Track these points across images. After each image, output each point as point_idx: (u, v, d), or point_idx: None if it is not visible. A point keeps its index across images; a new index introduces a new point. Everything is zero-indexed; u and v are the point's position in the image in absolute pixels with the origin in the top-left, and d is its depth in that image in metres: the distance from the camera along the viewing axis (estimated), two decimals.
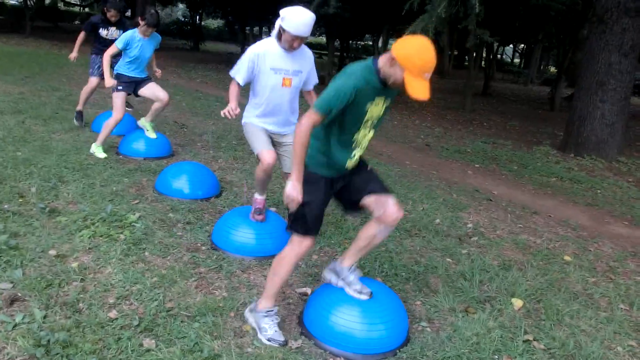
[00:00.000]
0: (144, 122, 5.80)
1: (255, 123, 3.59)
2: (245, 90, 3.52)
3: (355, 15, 15.43)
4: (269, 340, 2.67)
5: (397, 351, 2.71)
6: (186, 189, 4.54)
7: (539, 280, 3.73)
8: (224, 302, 2.99)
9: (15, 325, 2.55)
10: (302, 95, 3.70)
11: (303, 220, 2.60)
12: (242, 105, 3.41)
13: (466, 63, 14.68)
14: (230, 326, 2.78)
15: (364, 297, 2.72)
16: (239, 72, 3.43)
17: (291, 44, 3.31)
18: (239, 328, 2.78)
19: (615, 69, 8.24)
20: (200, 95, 11.22)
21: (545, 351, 2.88)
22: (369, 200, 2.70)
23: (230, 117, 3.35)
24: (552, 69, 33.42)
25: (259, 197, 3.76)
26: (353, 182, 2.74)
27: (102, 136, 5.56)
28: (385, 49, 21.91)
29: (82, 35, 6.54)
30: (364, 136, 2.65)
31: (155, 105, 5.69)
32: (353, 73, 2.46)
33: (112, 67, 5.48)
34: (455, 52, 31.20)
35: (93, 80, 6.61)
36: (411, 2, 8.82)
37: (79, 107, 6.82)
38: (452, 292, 3.40)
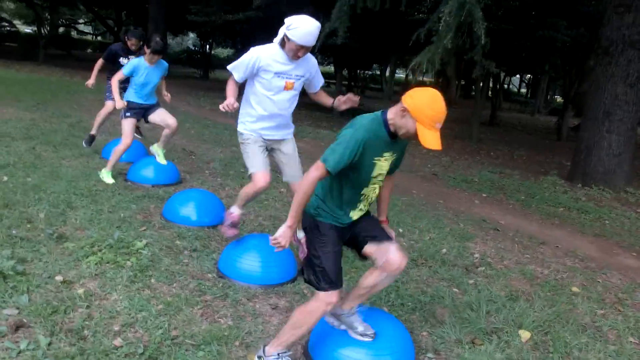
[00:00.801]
0: (156, 149, 5.87)
1: (252, 130, 3.56)
2: (240, 92, 3.53)
3: (363, 45, 15.64)
4: None
5: None
6: (193, 216, 4.56)
7: (546, 312, 3.70)
8: (229, 330, 2.98)
9: (19, 352, 2.55)
10: (310, 98, 3.79)
11: (324, 274, 2.50)
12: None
13: (473, 93, 14.76)
14: (234, 355, 2.76)
15: (367, 339, 2.66)
16: (237, 69, 3.42)
17: (296, 53, 3.29)
18: (244, 357, 2.76)
19: (621, 100, 8.29)
20: (209, 122, 11.33)
21: None
22: (371, 249, 2.64)
23: (229, 111, 3.32)
24: (559, 99, 33.55)
25: (237, 211, 3.74)
26: (357, 230, 2.70)
27: (111, 162, 5.62)
28: (392, 78, 22.11)
29: (100, 62, 6.66)
30: (373, 191, 2.65)
31: (165, 132, 5.77)
32: (362, 126, 2.44)
33: (120, 93, 5.57)
34: (463, 82, 31.44)
35: (109, 105, 6.71)
36: (418, 33, 8.95)
37: (93, 132, 6.92)
38: (458, 322, 3.37)
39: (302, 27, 3.19)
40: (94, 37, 42.11)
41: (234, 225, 3.75)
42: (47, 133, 7.67)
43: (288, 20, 3.24)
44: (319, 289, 2.51)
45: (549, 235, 5.79)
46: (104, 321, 2.92)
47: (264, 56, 3.36)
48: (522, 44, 13.68)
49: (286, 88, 3.45)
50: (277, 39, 3.40)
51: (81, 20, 36.32)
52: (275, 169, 3.95)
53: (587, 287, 4.32)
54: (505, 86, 31.64)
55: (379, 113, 2.51)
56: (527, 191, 8.01)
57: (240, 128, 3.65)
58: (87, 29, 42.69)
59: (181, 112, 11.95)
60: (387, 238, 2.68)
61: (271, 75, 3.38)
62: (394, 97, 14.51)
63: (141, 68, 5.45)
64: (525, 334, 3.31)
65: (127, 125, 5.57)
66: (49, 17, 26.37)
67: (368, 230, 2.70)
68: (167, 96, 6.12)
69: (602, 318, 3.75)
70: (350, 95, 3.53)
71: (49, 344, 2.64)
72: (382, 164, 2.55)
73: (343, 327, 2.75)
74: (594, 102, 8.66)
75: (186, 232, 4.39)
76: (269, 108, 3.51)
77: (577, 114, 17.82)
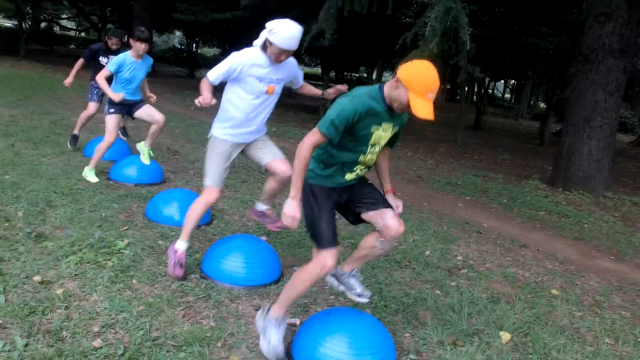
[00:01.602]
0: (142, 147, 5.83)
1: (228, 134, 3.50)
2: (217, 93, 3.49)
3: (350, 47, 15.68)
4: (270, 348, 2.66)
5: None
6: (177, 216, 4.52)
7: (526, 314, 3.73)
8: (212, 331, 2.96)
9: None
10: (296, 93, 3.79)
11: (324, 236, 2.58)
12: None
13: (458, 97, 14.88)
14: (216, 356, 2.75)
15: (364, 299, 2.78)
16: (215, 74, 3.32)
17: (278, 57, 3.26)
18: (226, 358, 2.74)
19: (601, 107, 8.42)
20: (195, 122, 11.26)
21: None
22: (370, 214, 2.74)
23: (205, 106, 3.19)
24: (542, 105, 33.95)
25: (183, 247, 3.53)
26: (355, 195, 2.78)
27: (94, 160, 5.55)
28: (379, 81, 22.19)
29: (80, 62, 6.56)
30: (370, 159, 2.72)
31: (153, 129, 5.73)
32: (357, 96, 2.52)
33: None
34: (448, 86, 31.66)
35: (92, 106, 6.64)
36: (404, 37, 9.01)
37: (75, 131, 6.83)
38: (440, 324, 3.39)
39: (284, 32, 3.17)
40: (77, 32, 41.59)
41: (180, 265, 3.49)
42: (27, 130, 7.56)
43: (270, 25, 3.20)
44: (321, 248, 2.57)
45: (530, 238, 5.85)
46: (83, 322, 2.88)
47: (245, 61, 3.31)
48: (507, 50, 13.86)
49: (267, 92, 3.43)
50: (258, 43, 3.35)
51: (64, 16, 35.89)
52: (253, 167, 3.92)
53: (566, 289, 4.37)
54: (490, 91, 31.91)
55: (376, 86, 2.57)
56: (510, 195, 8.09)
57: (214, 132, 3.56)
58: (71, 24, 42.19)
59: (167, 111, 11.82)
60: (385, 204, 2.75)
61: (253, 80, 3.34)
62: None
63: (127, 63, 5.39)
64: (505, 336, 3.34)
65: (111, 122, 5.51)
66: (30, 11, 26.00)
67: (366, 196, 2.76)
68: (152, 98, 6.06)
69: (580, 320, 3.80)
70: (339, 85, 3.59)
71: (26, 345, 2.60)
72: (381, 134, 2.61)
73: (342, 287, 2.89)
74: (575, 109, 8.79)
75: (169, 232, 4.35)
76: (248, 113, 3.46)
77: (559, 120, 18.05)
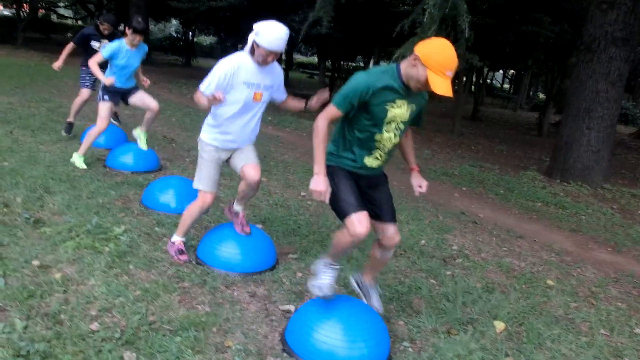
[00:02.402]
0: (138, 132, 5.82)
1: (215, 140, 3.49)
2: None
3: (347, 36, 15.63)
4: (319, 287, 2.75)
5: None
6: (173, 204, 4.54)
7: (521, 304, 3.76)
8: (207, 317, 2.98)
9: None
10: (282, 108, 3.74)
11: (345, 203, 2.61)
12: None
13: (456, 87, 14.85)
14: (212, 341, 2.77)
15: (378, 311, 2.99)
16: (209, 87, 3.26)
17: (265, 58, 3.25)
18: (221, 343, 2.76)
19: (602, 97, 8.39)
20: (191, 110, 11.24)
21: None
22: (376, 224, 2.86)
23: (219, 100, 3.14)
24: (541, 95, 33.91)
25: (178, 240, 3.70)
26: (372, 197, 2.83)
27: (84, 145, 5.54)
28: None
29: (70, 46, 6.40)
30: (389, 139, 2.71)
31: (147, 115, 5.71)
32: (373, 73, 2.56)
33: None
34: None
35: (84, 92, 6.60)
36: (402, 25, 8.98)
37: (70, 119, 6.80)
38: (435, 313, 3.41)
39: (270, 33, 3.15)
40: (75, 21, 41.30)
41: (181, 252, 3.70)
42: (25, 117, 7.55)
43: (256, 27, 3.19)
44: (346, 216, 2.60)
45: (526, 229, 5.88)
46: (81, 306, 2.90)
47: (234, 65, 3.27)
48: (506, 39, 13.80)
49: (255, 99, 3.40)
50: (246, 48, 3.33)
51: (61, 4, 35.60)
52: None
53: (561, 280, 4.40)
54: (489, 81, 31.88)
55: (394, 65, 2.60)
56: (507, 185, 8.11)
57: (203, 137, 3.56)
58: (68, 12, 41.89)
59: (162, 99, 11.82)
60: (392, 219, 2.85)
61: (241, 86, 3.31)
62: None
63: (122, 51, 5.36)
64: (500, 325, 3.37)
65: (103, 108, 5.48)
66: None
67: (377, 204, 2.82)
68: (146, 82, 6.03)
69: (575, 311, 3.82)
70: (320, 91, 3.46)
71: (25, 328, 2.62)
72: (396, 111, 2.62)
73: (361, 294, 3.15)
74: (575, 99, 8.76)
75: (165, 219, 4.36)
76: (237, 120, 3.44)
77: (558, 111, 18.05)
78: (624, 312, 3.92)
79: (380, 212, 2.84)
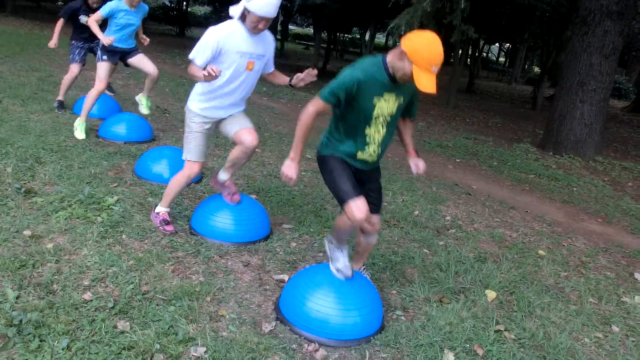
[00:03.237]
0: (140, 97, 5.82)
1: (203, 109, 3.42)
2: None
3: (343, 7, 15.42)
4: (337, 270, 2.80)
5: (372, 338, 2.74)
6: (166, 174, 4.51)
7: (512, 273, 3.80)
8: (201, 286, 2.99)
9: None
10: (266, 78, 3.66)
11: (343, 191, 2.64)
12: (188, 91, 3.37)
13: (451, 60, 14.75)
14: (205, 310, 2.79)
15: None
16: (199, 55, 3.17)
17: (256, 25, 3.15)
18: (215, 312, 2.78)
19: (596, 70, 8.37)
20: (185, 81, 11.12)
21: (515, 341, 2.93)
22: None
23: (215, 75, 3.02)
24: (536, 69, 33.79)
25: (163, 210, 3.67)
26: (362, 188, 2.81)
27: (85, 110, 5.49)
28: (372, 42, 21.95)
29: (60, 22, 6.14)
30: (377, 132, 2.70)
31: (147, 81, 5.69)
32: (359, 66, 2.56)
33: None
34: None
35: (74, 68, 6.42)
36: None
37: (60, 97, 6.60)
38: (427, 282, 3.44)
39: None
40: None
41: (166, 222, 3.64)
42: (14, 87, 7.44)
43: None
44: (344, 203, 2.63)
45: (518, 200, 5.91)
46: (74, 276, 2.90)
47: (224, 35, 3.18)
48: (502, 11, 13.66)
49: (247, 68, 3.32)
50: (236, 15, 3.22)
51: None
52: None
53: (552, 250, 4.44)
54: (484, 54, 31.67)
55: (380, 56, 2.58)
56: (500, 158, 8.13)
57: (190, 105, 3.47)
58: None
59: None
60: (375, 210, 2.91)
61: (233, 55, 3.23)
62: None
63: (119, 10, 5.25)
64: (491, 294, 3.41)
65: (102, 69, 5.41)
66: None
67: (367, 197, 2.79)
68: (145, 40, 5.92)
69: (565, 280, 3.87)
70: (309, 70, 3.35)
71: (17, 297, 2.62)
72: (383, 105, 2.61)
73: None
74: (569, 72, 8.73)
75: (158, 189, 4.34)
76: (227, 88, 3.37)
77: (553, 84, 18.02)
78: (612, 281, 3.97)
79: (368, 204, 2.80)
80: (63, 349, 2.30)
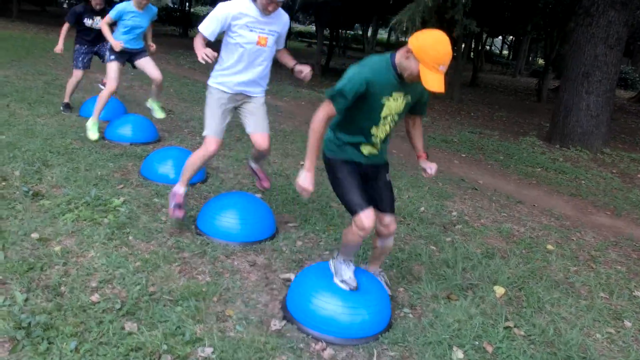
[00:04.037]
0: (150, 103, 5.88)
1: (222, 84, 3.49)
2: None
3: (345, 3, 15.37)
4: (342, 281, 2.77)
5: (379, 336, 2.73)
6: (172, 174, 4.51)
7: (521, 269, 3.77)
8: (207, 286, 2.99)
9: None
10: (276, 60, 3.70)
11: (353, 202, 2.62)
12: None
13: (455, 54, 14.69)
14: (212, 310, 2.78)
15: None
16: (208, 28, 3.28)
17: (266, 7, 3.22)
18: (222, 312, 2.78)
19: (600, 61, 8.31)
20: (188, 81, 11.14)
21: (525, 337, 2.91)
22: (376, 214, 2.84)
23: (209, 60, 3.16)
24: (540, 61, 33.60)
25: (181, 190, 3.66)
26: (372, 187, 2.82)
27: (97, 110, 5.53)
28: (374, 38, 21.87)
29: (65, 26, 6.25)
30: (384, 131, 2.69)
31: (153, 87, 5.77)
32: (367, 65, 2.51)
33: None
34: None
35: (77, 73, 6.48)
36: None
37: (66, 100, 6.70)
38: (435, 279, 3.43)
39: None
40: None
41: (179, 206, 3.63)
42: (21, 90, 7.47)
43: None
44: (354, 214, 2.61)
45: (526, 194, 5.87)
46: (81, 278, 2.91)
47: (234, 9, 3.26)
48: (505, 3, 13.58)
49: (259, 43, 3.37)
50: None
51: None
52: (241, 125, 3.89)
53: (561, 245, 4.41)
54: (488, 47, 31.52)
55: (388, 55, 2.55)
56: (506, 151, 8.08)
57: (210, 82, 3.58)
58: None
59: (160, 70, 11.70)
60: (391, 210, 2.86)
61: (243, 28, 3.30)
62: None
63: (127, 12, 5.29)
64: (499, 290, 3.38)
65: (112, 69, 5.46)
66: None
67: (377, 193, 2.82)
68: (152, 46, 5.95)
69: (575, 274, 3.84)
70: (308, 71, 3.54)
71: (26, 300, 2.62)
72: (392, 104, 2.58)
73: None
74: (574, 63, 8.67)
75: (164, 190, 4.35)
76: (242, 61, 3.42)
77: (557, 76, 17.90)
78: (623, 275, 3.93)
79: (380, 202, 2.83)
80: (71, 351, 2.30)
